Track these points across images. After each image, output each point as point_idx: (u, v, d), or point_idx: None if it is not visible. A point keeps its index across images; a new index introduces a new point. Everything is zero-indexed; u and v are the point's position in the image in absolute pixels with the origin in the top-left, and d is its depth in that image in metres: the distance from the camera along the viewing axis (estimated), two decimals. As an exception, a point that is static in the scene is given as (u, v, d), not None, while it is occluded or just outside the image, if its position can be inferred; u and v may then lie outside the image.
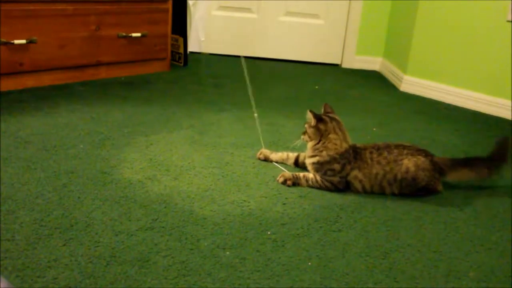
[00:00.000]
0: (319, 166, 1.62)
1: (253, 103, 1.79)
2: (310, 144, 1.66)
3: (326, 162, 1.61)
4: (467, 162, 1.69)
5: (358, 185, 1.61)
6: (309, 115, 1.64)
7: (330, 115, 1.67)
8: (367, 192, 1.62)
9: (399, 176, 1.58)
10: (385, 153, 1.60)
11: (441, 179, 1.65)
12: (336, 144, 1.60)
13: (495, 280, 1.22)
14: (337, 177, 1.60)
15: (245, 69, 1.72)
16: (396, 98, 2.90)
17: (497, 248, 1.37)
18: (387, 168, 1.59)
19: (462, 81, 2.80)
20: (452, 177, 1.67)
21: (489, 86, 2.68)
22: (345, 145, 1.61)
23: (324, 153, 1.61)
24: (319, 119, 1.63)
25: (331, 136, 1.61)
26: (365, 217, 1.48)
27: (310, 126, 1.64)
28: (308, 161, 1.66)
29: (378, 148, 1.62)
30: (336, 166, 1.60)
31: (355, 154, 1.61)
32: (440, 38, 2.86)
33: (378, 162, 1.59)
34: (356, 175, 1.60)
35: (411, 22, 3.01)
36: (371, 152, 1.61)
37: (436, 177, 1.62)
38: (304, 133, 1.67)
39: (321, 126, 1.62)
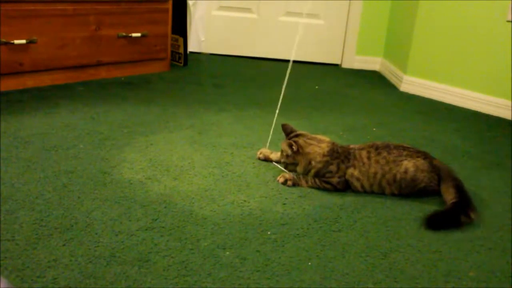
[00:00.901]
0: (317, 173, 1.63)
1: (280, 101, 1.81)
2: (299, 169, 1.65)
3: (320, 169, 1.61)
4: (455, 185, 1.57)
5: (357, 184, 1.61)
6: (284, 147, 1.64)
7: (292, 134, 1.69)
8: (367, 192, 1.62)
9: (398, 177, 1.58)
10: (385, 153, 1.60)
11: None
12: (316, 151, 1.62)
13: (495, 280, 1.22)
14: (336, 178, 1.60)
15: (288, 72, 1.74)
16: (396, 98, 2.90)
17: (497, 248, 1.37)
18: (386, 168, 1.59)
19: (462, 81, 2.79)
20: (442, 187, 1.60)
21: (489, 86, 2.68)
22: (323, 145, 1.63)
23: (313, 163, 1.62)
24: (290, 145, 1.63)
25: (307, 150, 1.63)
26: (365, 217, 1.48)
27: (289, 156, 1.64)
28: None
29: (377, 148, 1.62)
30: (332, 168, 1.60)
31: (347, 154, 1.62)
32: (440, 38, 2.86)
33: (377, 162, 1.59)
34: (352, 173, 1.60)
35: (411, 22, 3.01)
36: (368, 152, 1.61)
37: (435, 179, 1.62)
38: (288, 165, 1.67)
39: (297, 149, 1.63)
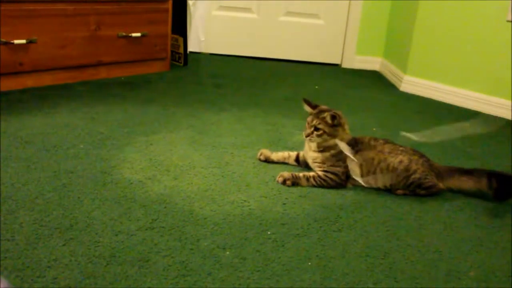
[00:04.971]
0: (330, 158, 1.64)
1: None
2: (320, 140, 1.66)
3: (338, 153, 1.64)
4: (466, 171, 1.67)
5: (356, 170, 1.64)
6: (327, 116, 1.62)
7: (325, 107, 1.70)
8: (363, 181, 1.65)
9: (391, 166, 1.61)
10: (383, 143, 1.66)
11: (439, 182, 1.65)
12: (347, 134, 1.67)
13: (495, 280, 1.22)
14: (342, 167, 1.64)
15: None
16: (396, 98, 2.90)
17: (497, 248, 1.37)
18: (382, 156, 1.62)
19: (462, 81, 2.79)
20: (451, 184, 1.66)
21: (489, 86, 2.68)
22: (348, 135, 1.68)
23: (336, 147, 1.65)
24: (333, 116, 1.62)
25: (346, 127, 1.68)
26: (365, 217, 1.48)
27: (329, 125, 1.63)
28: (315, 155, 1.68)
29: (376, 139, 1.68)
30: (344, 156, 1.64)
31: (355, 140, 1.67)
32: (440, 38, 2.86)
33: (375, 147, 1.64)
34: (358, 158, 1.63)
35: (411, 22, 3.01)
36: (369, 140, 1.67)
37: (432, 176, 1.63)
38: (312, 132, 1.64)
39: (337, 122, 1.64)
